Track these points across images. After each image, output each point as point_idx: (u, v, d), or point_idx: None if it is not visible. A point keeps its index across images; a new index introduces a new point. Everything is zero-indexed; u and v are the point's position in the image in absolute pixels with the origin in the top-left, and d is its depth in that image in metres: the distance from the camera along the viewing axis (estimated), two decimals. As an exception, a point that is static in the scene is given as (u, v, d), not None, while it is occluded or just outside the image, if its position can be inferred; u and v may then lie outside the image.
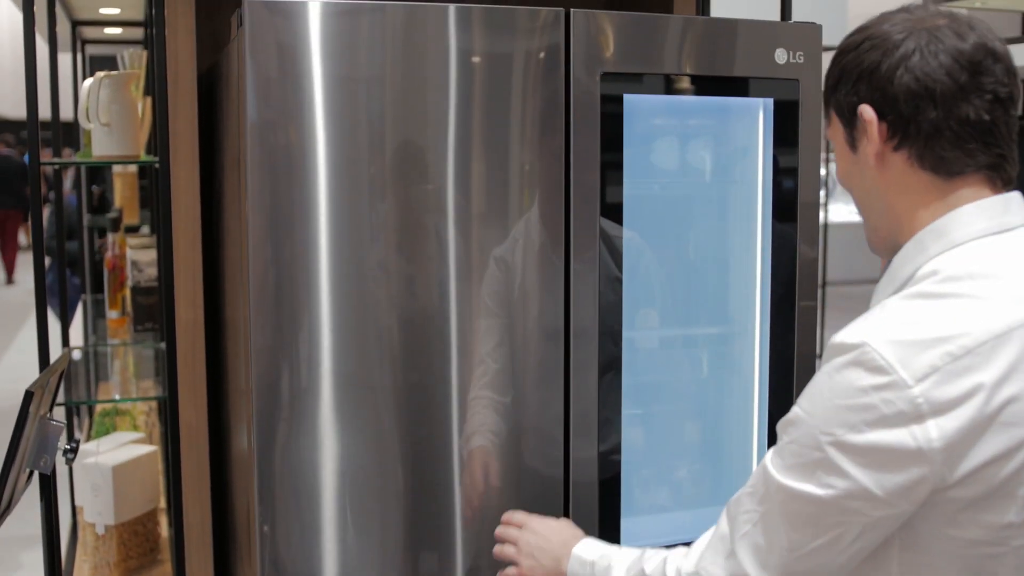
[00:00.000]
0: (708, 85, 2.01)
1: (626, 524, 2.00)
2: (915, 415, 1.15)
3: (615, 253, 1.95)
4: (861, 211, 1.40)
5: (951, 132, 1.25)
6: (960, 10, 1.33)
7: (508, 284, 1.88)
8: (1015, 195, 1.29)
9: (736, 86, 2.03)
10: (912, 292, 1.23)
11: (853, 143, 1.34)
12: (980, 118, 1.25)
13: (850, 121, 1.33)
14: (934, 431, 1.15)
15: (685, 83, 1.99)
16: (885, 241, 1.36)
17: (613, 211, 1.93)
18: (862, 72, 1.29)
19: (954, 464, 1.16)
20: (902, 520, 1.20)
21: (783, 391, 2.10)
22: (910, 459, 1.16)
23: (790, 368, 2.10)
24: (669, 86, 1.98)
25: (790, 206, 2.09)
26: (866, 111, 1.29)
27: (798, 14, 2.35)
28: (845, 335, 1.21)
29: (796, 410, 1.24)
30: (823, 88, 1.38)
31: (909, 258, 1.30)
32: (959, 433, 1.15)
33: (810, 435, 1.21)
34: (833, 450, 1.19)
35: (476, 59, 1.84)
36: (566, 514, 1.96)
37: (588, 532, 1.96)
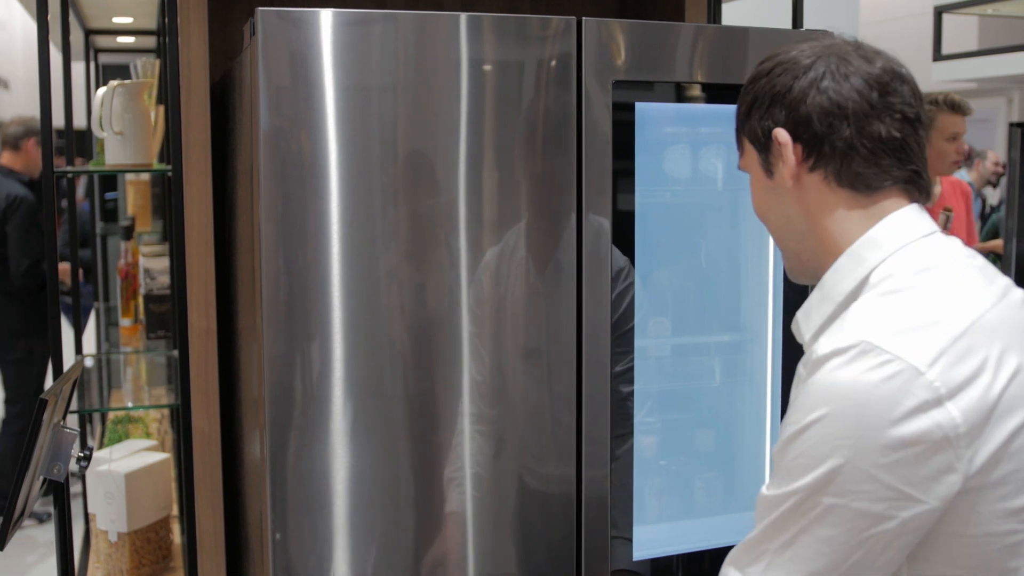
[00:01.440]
0: (719, 93, 2.01)
1: (638, 532, 2.00)
2: (935, 400, 1.13)
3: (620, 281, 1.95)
4: (778, 239, 1.41)
5: (865, 149, 1.28)
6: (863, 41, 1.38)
7: (515, 293, 1.88)
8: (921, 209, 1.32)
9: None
10: (881, 291, 1.24)
11: (769, 168, 1.35)
12: (892, 135, 1.28)
13: (764, 146, 1.35)
14: (956, 414, 1.13)
15: (696, 91, 2.00)
16: (807, 265, 1.37)
17: (625, 219, 1.93)
18: (775, 96, 1.32)
19: (978, 446, 1.14)
20: (933, 521, 1.16)
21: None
22: (938, 447, 1.13)
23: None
24: (680, 94, 1.99)
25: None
26: (781, 134, 1.31)
27: (809, 21, 2.35)
28: (833, 341, 1.19)
29: (804, 422, 1.18)
30: (735, 119, 1.40)
31: (846, 272, 1.30)
32: (977, 412, 1.14)
33: (826, 443, 1.15)
34: (854, 455, 1.13)
35: (487, 67, 1.84)
36: (579, 521, 1.95)
37: (601, 541, 1.96)
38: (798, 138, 1.31)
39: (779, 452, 1.22)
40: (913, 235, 1.28)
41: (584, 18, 1.89)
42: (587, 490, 1.95)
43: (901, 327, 1.17)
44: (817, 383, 1.18)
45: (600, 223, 1.91)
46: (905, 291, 1.22)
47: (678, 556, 2.05)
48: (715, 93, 2.01)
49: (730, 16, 2.52)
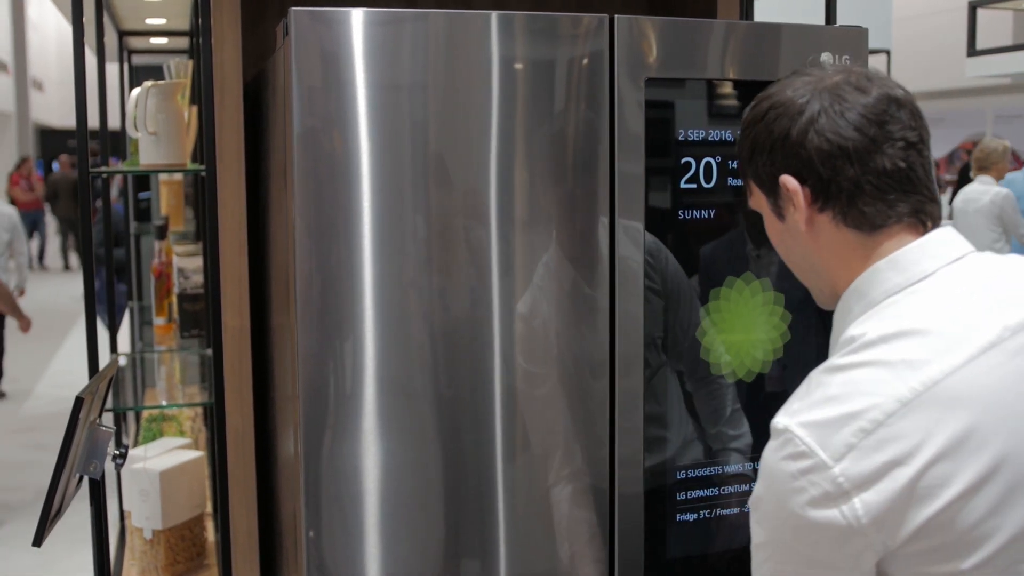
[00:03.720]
0: (752, 90, 2.00)
1: (671, 532, 1.99)
2: (839, 493, 1.15)
3: (660, 259, 1.94)
4: (801, 278, 1.41)
5: (871, 186, 1.27)
6: (858, 65, 1.37)
7: (546, 294, 1.88)
8: (934, 236, 1.29)
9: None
10: (830, 365, 1.24)
11: (780, 213, 1.35)
12: (896, 166, 1.27)
13: (772, 190, 1.34)
14: (860, 507, 1.15)
15: (729, 88, 1.99)
16: (831, 299, 1.37)
17: (660, 217, 1.93)
18: (774, 142, 1.31)
19: (892, 532, 1.16)
20: None
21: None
22: (847, 534, 1.16)
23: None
24: (713, 91, 1.98)
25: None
26: (789, 181, 1.30)
27: (843, 17, 2.33)
28: (778, 417, 1.23)
29: (754, 495, 1.26)
30: (738, 160, 1.39)
31: (841, 317, 1.32)
32: (886, 505, 1.15)
33: (768, 518, 1.23)
34: (785, 530, 1.21)
35: (519, 66, 1.84)
36: (611, 520, 1.95)
37: (634, 540, 1.96)
38: (804, 181, 1.30)
39: (751, 504, 1.29)
40: (895, 286, 1.27)
41: (616, 16, 1.88)
42: (620, 491, 1.95)
43: (821, 418, 1.18)
44: (763, 457, 1.25)
45: (634, 223, 1.91)
46: (844, 370, 1.21)
47: (714, 554, 2.04)
48: (748, 90, 2.00)
49: (762, 12, 2.51)
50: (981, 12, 9.10)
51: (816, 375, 1.24)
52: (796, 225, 1.32)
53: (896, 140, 1.27)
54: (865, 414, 1.16)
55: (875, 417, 1.16)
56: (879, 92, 1.29)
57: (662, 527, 1.99)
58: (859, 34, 2.06)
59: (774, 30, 2.00)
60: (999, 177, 6.77)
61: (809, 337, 2.08)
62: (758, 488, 1.25)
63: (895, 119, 1.28)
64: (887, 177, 1.27)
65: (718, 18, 2.47)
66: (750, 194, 1.40)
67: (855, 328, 1.26)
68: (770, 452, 1.22)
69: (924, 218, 1.30)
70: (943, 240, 1.29)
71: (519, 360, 1.88)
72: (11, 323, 7.00)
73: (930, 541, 1.16)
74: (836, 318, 1.34)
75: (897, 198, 1.28)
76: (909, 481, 1.14)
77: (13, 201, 16.53)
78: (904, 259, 1.27)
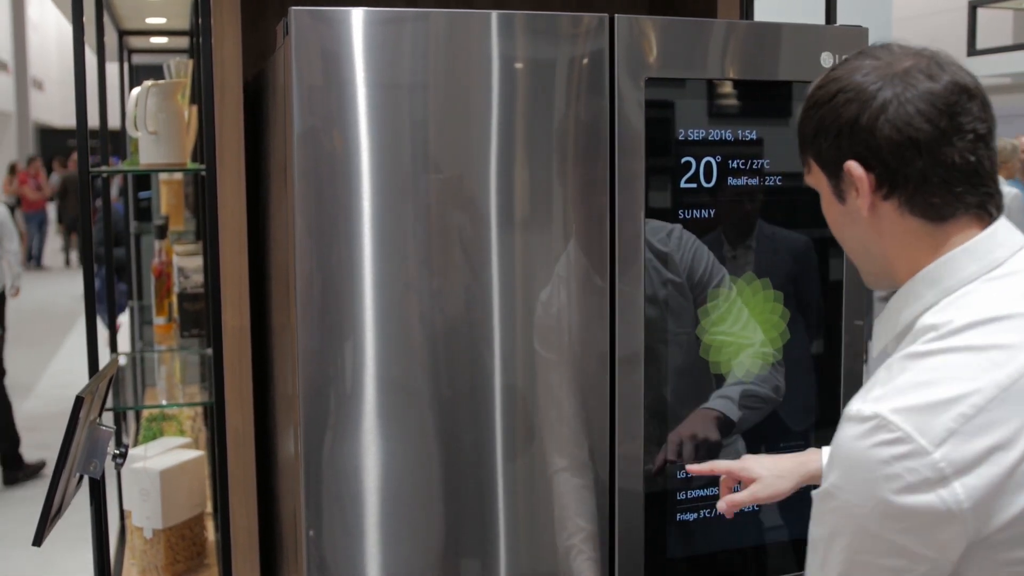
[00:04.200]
0: (752, 90, 2.00)
1: (671, 531, 1.99)
2: (939, 479, 1.14)
3: (663, 259, 1.94)
4: (854, 259, 1.40)
5: (938, 178, 1.25)
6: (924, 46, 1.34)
7: (552, 292, 1.88)
8: (1001, 225, 1.29)
9: (781, 91, 2.02)
10: (914, 351, 1.22)
11: (841, 196, 1.33)
12: (966, 160, 1.25)
13: (835, 174, 1.32)
14: (961, 492, 1.14)
15: (729, 88, 1.99)
16: (882, 281, 1.37)
17: (660, 217, 1.93)
18: (841, 127, 1.29)
19: (988, 517, 1.15)
20: (947, 573, 1.19)
21: (830, 399, 2.09)
22: (943, 519, 1.15)
23: (837, 375, 2.09)
24: (713, 91, 1.98)
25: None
26: (854, 168, 1.28)
27: (843, 17, 2.33)
28: (860, 404, 1.21)
29: (828, 486, 1.23)
30: (799, 137, 1.37)
31: (905, 304, 1.30)
32: (987, 489, 1.14)
33: (846, 507, 1.21)
34: (869, 519, 1.18)
35: (519, 65, 1.84)
36: (611, 518, 1.95)
37: (634, 539, 1.96)
38: (870, 168, 1.28)
39: (816, 498, 1.26)
40: (971, 275, 1.26)
41: (616, 15, 1.88)
42: (620, 489, 1.95)
43: (918, 402, 1.17)
44: (839, 446, 1.22)
45: (634, 222, 1.91)
46: (935, 355, 1.20)
47: (714, 553, 2.04)
48: (748, 90, 2.00)
49: (762, 11, 2.51)
50: (981, 12, 9.09)
51: (897, 362, 1.22)
52: (857, 211, 1.31)
53: (966, 132, 1.25)
54: (965, 400, 1.16)
55: (976, 403, 1.15)
56: (949, 80, 1.26)
57: (662, 526, 1.99)
58: (859, 34, 2.06)
59: (774, 30, 2.00)
60: (1009, 176, 6.76)
61: (806, 337, 2.08)
62: (832, 478, 1.22)
63: (965, 110, 1.26)
64: (955, 170, 1.25)
65: (718, 18, 2.47)
66: (808, 172, 1.38)
67: (933, 316, 1.25)
68: (853, 439, 1.19)
69: (991, 208, 1.29)
70: (1008, 228, 1.29)
71: (519, 357, 1.88)
72: (10, 323, 7.00)
73: (1018, 528, 1.15)
74: (896, 304, 1.32)
75: (965, 190, 1.26)
76: (1011, 466, 1.14)
77: (21, 200, 16.56)
78: (979, 248, 1.27)
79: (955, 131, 1.25)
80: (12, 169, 17.53)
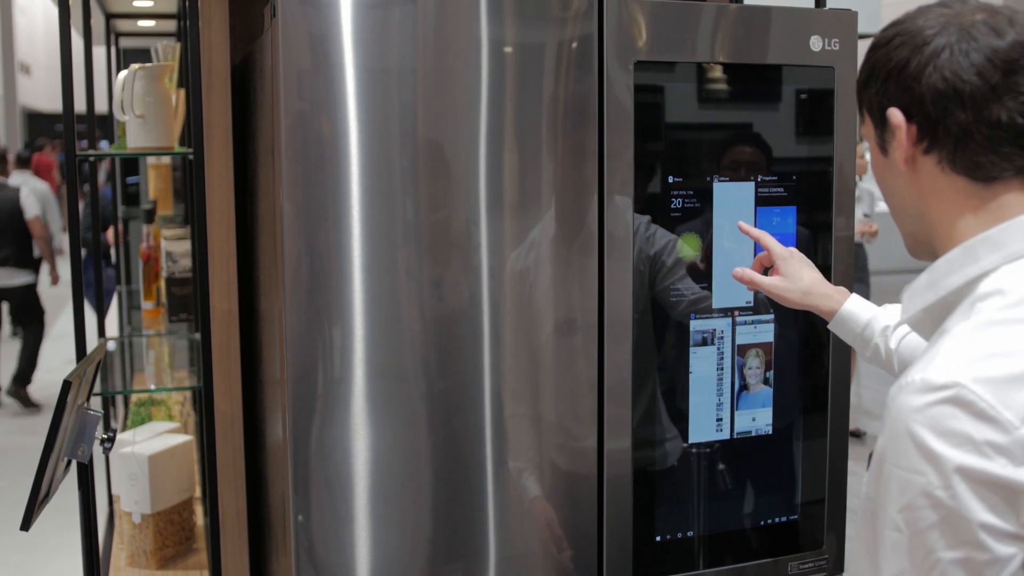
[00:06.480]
0: (742, 73, 2.00)
1: (659, 514, 2.00)
2: None
3: (651, 243, 1.94)
4: (895, 216, 1.34)
5: (982, 136, 1.20)
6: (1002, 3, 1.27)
7: (536, 275, 1.88)
8: None
9: (770, 74, 2.02)
10: (985, 319, 1.15)
11: (884, 147, 1.29)
12: (1014, 121, 1.19)
13: (880, 122, 1.28)
14: None
15: (718, 72, 1.98)
16: (923, 246, 1.31)
17: (648, 201, 1.93)
18: (890, 71, 1.24)
19: None
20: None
21: (819, 379, 2.10)
22: None
23: (825, 354, 2.10)
24: (702, 75, 1.97)
25: (826, 196, 2.07)
26: (894, 115, 1.24)
27: (833, 1, 2.33)
28: (926, 372, 1.12)
29: (890, 470, 1.13)
30: (856, 84, 1.33)
31: (958, 266, 1.23)
32: None
33: (918, 485, 1.11)
34: (947, 493, 1.09)
35: (508, 49, 1.83)
36: (599, 504, 1.95)
37: (623, 523, 1.96)
38: (911, 118, 1.23)
39: (870, 483, 1.18)
40: None
41: (605, -2, 1.88)
42: (608, 474, 1.95)
43: (999, 374, 1.09)
44: (899, 419, 1.13)
45: (623, 204, 1.91)
46: (1011, 324, 1.14)
47: (700, 537, 2.05)
48: (738, 74, 2.00)
49: (752, -5, 2.50)
50: (971, -4, 9.08)
51: (967, 330, 1.15)
52: (896, 163, 1.26)
53: (1020, 93, 1.18)
54: None
55: None
56: (1016, 38, 1.19)
57: (650, 509, 1.99)
58: (849, 18, 2.06)
59: (764, 13, 2.00)
60: None
61: (796, 334, 2.09)
62: (890, 458, 1.13)
63: None
64: (1001, 129, 1.19)
65: (708, 0, 2.46)
66: (862, 122, 1.33)
67: (996, 282, 1.18)
68: (918, 407, 1.11)
69: None
70: None
71: (508, 340, 1.87)
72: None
73: None
74: (943, 268, 1.24)
75: (1013, 152, 1.20)
76: None
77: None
78: None
79: (1008, 90, 1.18)
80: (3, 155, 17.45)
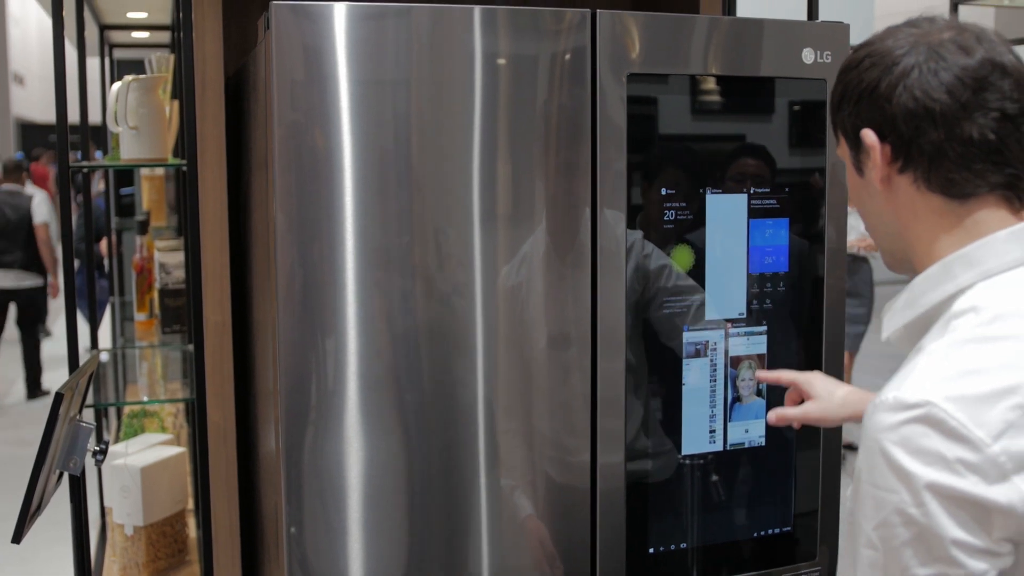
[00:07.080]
0: (735, 85, 2.01)
1: (652, 526, 1.99)
2: (999, 474, 1.08)
3: (647, 261, 1.94)
4: (872, 235, 1.35)
5: (955, 153, 1.20)
6: (971, 22, 1.28)
7: (529, 287, 1.88)
8: None
9: (763, 86, 2.03)
10: (959, 337, 1.16)
11: (859, 167, 1.30)
12: (985, 137, 1.19)
13: (854, 143, 1.29)
14: (1023, 485, 1.08)
15: (711, 84, 1.99)
16: (902, 263, 1.32)
17: (641, 213, 1.93)
18: (862, 92, 1.25)
19: None
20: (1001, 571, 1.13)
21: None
22: (1001, 514, 1.08)
23: (818, 365, 2.10)
24: (695, 87, 1.98)
25: (817, 208, 2.08)
26: (868, 136, 1.25)
27: (825, 13, 2.34)
28: (900, 391, 1.13)
29: (861, 486, 1.15)
30: (829, 106, 1.34)
31: (935, 284, 1.24)
32: None
33: (891, 503, 1.12)
34: (920, 510, 1.10)
35: (501, 61, 1.84)
36: (592, 517, 1.95)
37: (616, 536, 1.96)
38: (885, 138, 1.23)
39: (852, 510, 1.19)
40: (1015, 260, 1.20)
41: (598, 11, 1.88)
42: (601, 487, 1.95)
43: (972, 392, 1.10)
44: (873, 438, 1.14)
45: (615, 217, 1.91)
46: (984, 342, 1.14)
47: (693, 549, 2.05)
48: (730, 86, 2.00)
49: (745, 7, 2.51)
50: (963, 8, 9.12)
51: (940, 348, 1.15)
52: (873, 183, 1.26)
53: (991, 110, 1.19)
54: (1020, 390, 1.09)
55: None
56: (984, 55, 1.20)
57: (644, 522, 1.99)
58: (841, 30, 2.07)
59: (756, 25, 2.01)
60: None
61: (789, 346, 2.09)
62: (866, 475, 1.14)
63: (995, 87, 1.19)
64: (973, 146, 1.19)
65: (701, 13, 2.47)
66: (838, 143, 1.34)
67: (972, 299, 1.18)
68: (893, 428, 1.11)
69: (1018, 194, 1.22)
70: None
71: (501, 352, 1.87)
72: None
73: None
74: (922, 285, 1.25)
75: (985, 168, 1.20)
76: None
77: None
78: (1021, 235, 1.20)
79: (978, 107, 1.19)
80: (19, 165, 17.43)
